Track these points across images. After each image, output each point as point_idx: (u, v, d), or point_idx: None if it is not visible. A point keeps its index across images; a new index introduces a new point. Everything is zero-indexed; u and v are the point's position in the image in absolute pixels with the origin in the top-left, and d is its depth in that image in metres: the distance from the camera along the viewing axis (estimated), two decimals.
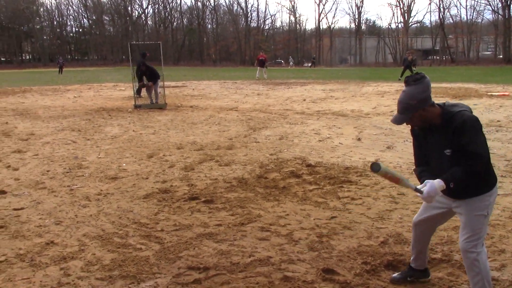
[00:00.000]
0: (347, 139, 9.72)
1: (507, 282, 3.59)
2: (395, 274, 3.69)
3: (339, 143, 9.28)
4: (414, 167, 3.40)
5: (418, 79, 2.98)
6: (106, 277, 3.76)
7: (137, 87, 16.87)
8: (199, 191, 6.10)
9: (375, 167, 2.97)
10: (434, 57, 72.55)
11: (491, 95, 18.10)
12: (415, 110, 2.99)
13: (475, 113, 3.06)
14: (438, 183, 2.96)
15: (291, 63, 71.76)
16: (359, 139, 9.63)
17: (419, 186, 3.06)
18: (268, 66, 34.93)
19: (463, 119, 2.91)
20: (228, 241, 4.46)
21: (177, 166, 7.48)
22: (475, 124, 2.92)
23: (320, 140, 9.57)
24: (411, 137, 3.32)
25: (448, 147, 2.99)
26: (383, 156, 7.96)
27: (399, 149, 8.57)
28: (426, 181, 3.03)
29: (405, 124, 3.11)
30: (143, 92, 17.45)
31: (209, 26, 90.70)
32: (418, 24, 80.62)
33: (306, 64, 78.26)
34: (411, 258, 3.61)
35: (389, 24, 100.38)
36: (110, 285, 3.64)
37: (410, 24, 75.27)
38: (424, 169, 3.23)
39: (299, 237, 4.55)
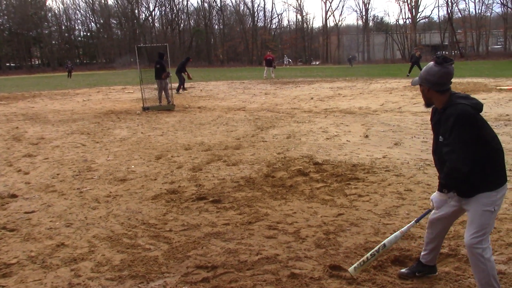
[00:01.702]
0: (355, 136, 9.72)
1: None
2: (403, 270, 3.70)
3: (347, 140, 9.29)
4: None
5: (440, 63, 3.07)
6: (116, 277, 3.81)
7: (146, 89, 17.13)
8: (207, 191, 6.14)
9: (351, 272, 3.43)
10: (443, 52, 72.07)
11: (500, 89, 18.00)
12: (421, 83, 3.18)
13: (483, 107, 3.08)
14: (438, 195, 3.17)
15: (286, 62, 70.44)
16: (366, 136, 9.63)
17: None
18: (276, 66, 34.79)
19: (451, 113, 2.98)
20: (236, 240, 4.51)
21: (185, 166, 7.53)
22: (462, 122, 2.94)
23: (327, 138, 9.59)
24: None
25: (442, 135, 3.08)
26: (390, 153, 7.96)
27: (407, 145, 8.55)
28: (431, 197, 3.25)
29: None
30: (151, 93, 17.59)
31: (216, 26, 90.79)
32: (426, 20, 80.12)
33: (314, 63, 78.06)
34: (422, 254, 3.62)
35: (397, 20, 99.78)
36: (120, 285, 3.69)
37: (418, 19, 74.82)
38: (436, 165, 3.31)
39: (306, 234, 4.58)
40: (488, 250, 3.07)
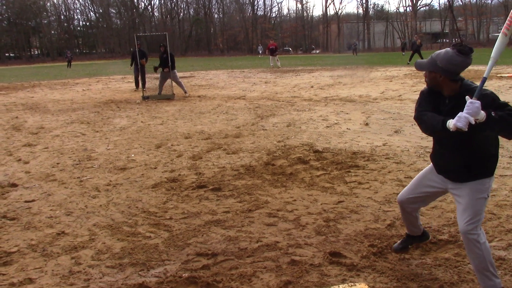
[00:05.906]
0: (355, 124, 9.71)
1: None
2: (396, 244, 3.74)
3: (347, 128, 9.27)
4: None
5: (462, 53, 2.92)
6: (116, 265, 3.82)
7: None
8: (207, 179, 6.14)
9: None
10: (444, 40, 71.82)
11: (501, 76, 17.95)
12: (433, 70, 3.01)
13: None
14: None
15: (260, 51, 67.28)
16: (366, 124, 9.62)
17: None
18: (277, 54, 34.19)
19: (486, 90, 2.95)
20: (236, 228, 4.51)
21: (185, 155, 7.53)
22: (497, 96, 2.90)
23: (327, 126, 9.57)
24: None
25: None
26: (390, 141, 7.95)
27: (407, 133, 8.54)
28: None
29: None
30: (151, 82, 17.54)
31: (215, 15, 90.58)
32: (427, 7, 79.89)
33: (314, 51, 77.78)
34: (407, 230, 3.67)
35: (397, 8, 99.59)
36: (120, 273, 3.70)
37: (419, 7, 74.61)
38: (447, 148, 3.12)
39: (306, 222, 4.58)
40: (483, 236, 3.06)
